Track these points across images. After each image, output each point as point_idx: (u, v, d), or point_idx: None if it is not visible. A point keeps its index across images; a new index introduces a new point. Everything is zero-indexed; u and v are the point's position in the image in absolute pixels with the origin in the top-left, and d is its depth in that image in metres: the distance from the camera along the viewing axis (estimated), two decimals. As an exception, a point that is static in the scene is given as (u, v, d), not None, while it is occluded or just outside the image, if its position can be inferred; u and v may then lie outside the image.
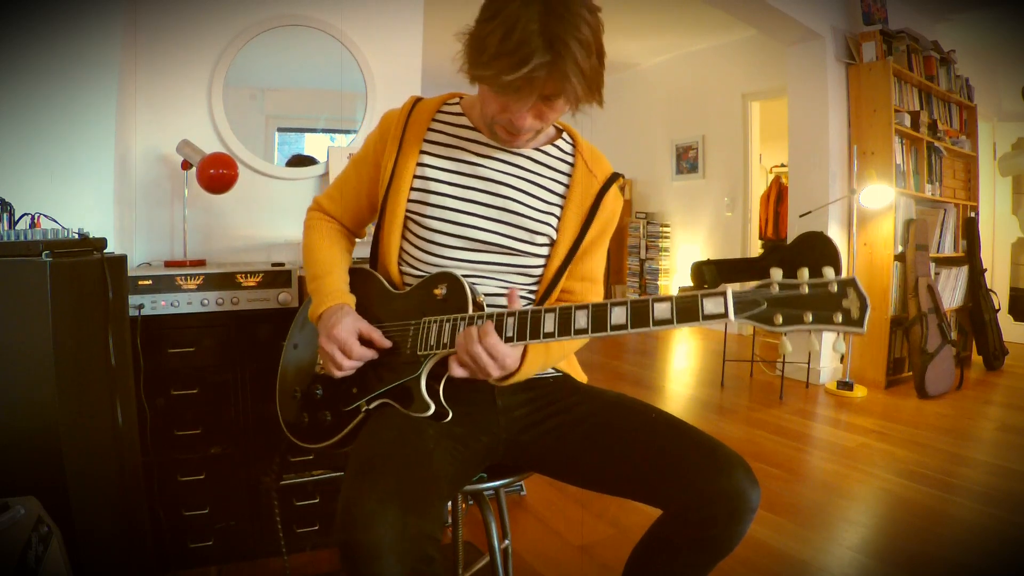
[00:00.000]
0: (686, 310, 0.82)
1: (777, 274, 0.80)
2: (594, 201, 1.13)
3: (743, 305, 0.80)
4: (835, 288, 0.77)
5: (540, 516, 2.07)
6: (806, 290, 0.78)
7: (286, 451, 1.23)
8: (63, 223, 1.33)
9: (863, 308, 0.75)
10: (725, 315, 0.79)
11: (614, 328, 0.86)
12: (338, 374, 1.05)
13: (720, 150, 5.57)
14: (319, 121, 2.30)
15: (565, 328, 0.89)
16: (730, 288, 0.80)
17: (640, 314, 0.84)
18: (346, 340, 1.03)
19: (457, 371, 0.95)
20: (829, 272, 0.77)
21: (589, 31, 0.90)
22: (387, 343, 1.05)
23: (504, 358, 0.93)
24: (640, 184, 6.39)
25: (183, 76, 2.00)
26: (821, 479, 2.39)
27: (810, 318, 0.77)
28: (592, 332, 0.87)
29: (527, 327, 0.91)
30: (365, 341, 1.05)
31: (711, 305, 0.81)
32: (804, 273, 0.79)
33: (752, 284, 0.80)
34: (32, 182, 1.56)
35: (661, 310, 0.83)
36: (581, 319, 0.88)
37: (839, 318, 0.76)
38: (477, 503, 1.18)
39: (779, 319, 0.78)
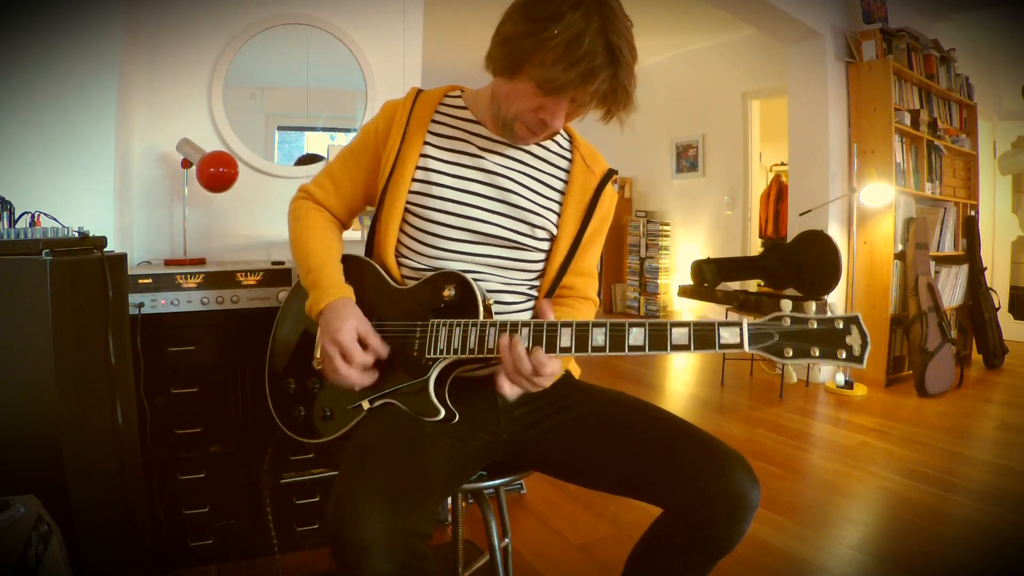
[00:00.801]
0: (703, 337, 0.86)
1: (787, 307, 0.86)
2: (592, 196, 1.14)
3: (757, 337, 0.84)
4: (840, 325, 0.83)
5: (540, 515, 2.07)
6: (815, 325, 0.83)
7: (278, 444, 1.22)
8: (63, 222, 1.32)
9: (864, 345, 0.82)
10: (740, 345, 0.84)
11: (632, 348, 0.88)
12: (334, 379, 1.02)
13: (720, 149, 5.56)
14: (319, 120, 2.30)
15: (582, 345, 0.90)
16: (746, 320, 0.85)
17: (659, 338, 0.87)
18: (349, 346, 0.99)
19: (508, 390, 0.93)
20: (835, 309, 0.81)
21: (633, 41, 0.93)
22: (383, 352, 1.02)
23: (548, 367, 0.92)
24: (640, 183, 6.39)
25: (183, 75, 2.00)
26: (821, 478, 2.39)
27: (817, 352, 0.83)
28: (610, 351, 0.89)
29: (543, 341, 0.91)
30: (363, 344, 1.02)
31: (727, 335, 0.85)
32: (811, 307, 0.85)
33: (765, 317, 0.86)
34: (32, 180, 1.56)
35: (679, 335, 0.86)
36: (599, 337, 0.89)
37: (843, 354, 0.82)
38: (477, 502, 1.18)
39: (789, 352, 0.83)
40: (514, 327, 0.93)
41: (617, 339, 0.88)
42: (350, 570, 0.78)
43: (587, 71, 0.88)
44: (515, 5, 0.94)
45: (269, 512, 1.37)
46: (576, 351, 0.90)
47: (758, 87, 5.21)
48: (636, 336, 0.87)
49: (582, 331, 0.90)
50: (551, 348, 0.91)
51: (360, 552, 0.77)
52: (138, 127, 1.94)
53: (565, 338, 0.91)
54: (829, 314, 0.84)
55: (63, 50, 1.60)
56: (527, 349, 0.91)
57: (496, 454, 1.10)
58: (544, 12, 0.89)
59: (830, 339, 0.82)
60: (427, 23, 2.36)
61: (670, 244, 6.03)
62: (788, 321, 0.84)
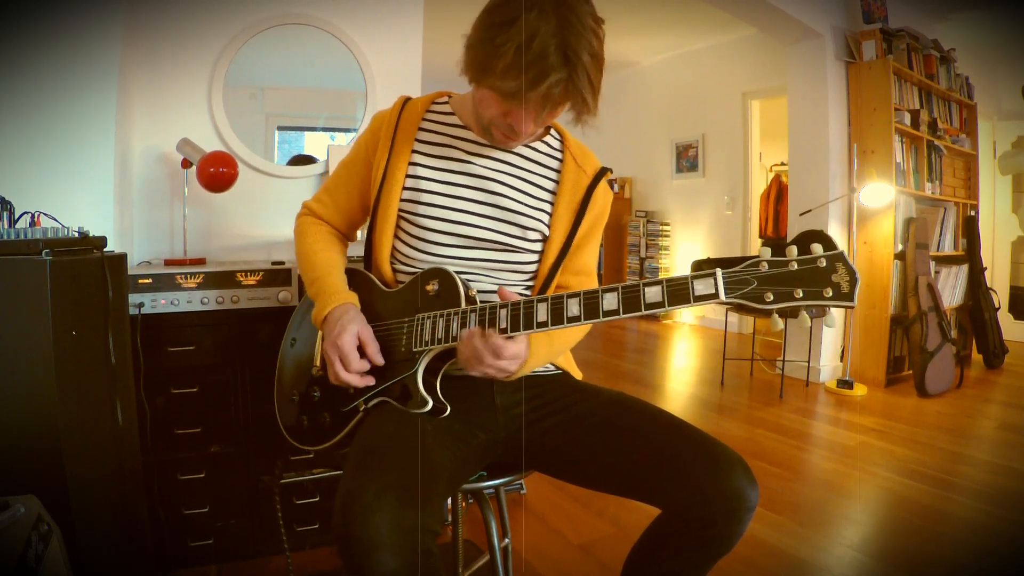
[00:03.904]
0: (677, 292, 0.82)
1: (766, 252, 0.80)
2: (584, 196, 1.14)
3: (733, 284, 0.80)
4: (824, 263, 0.77)
5: (540, 515, 2.07)
6: (795, 267, 0.78)
7: (288, 452, 1.24)
8: (63, 222, 1.33)
9: (852, 282, 0.76)
10: (716, 295, 0.80)
11: (606, 314, 0.86)
12: (335, 381, 1.04)
13: (720, 149, 5.56)
14: (319, 120, 2.30)
15: (558, 316, 0.89)
16: (720, 268, 0.80)
17: (631, 299, 0.85)
18: (347, 352, 1.01)
19: (476, 372, 0.95)
20: (817, 248, 0.77)
21: (598, 44, 0.91)
22: (379, 360, 1.03)
23: (507, 350, 0.93)
24: (640, 183, 6.39)
25: (183, 75, 2.00)
26: (821, 478, 2.39)
27: (800, 294, 0.77)
28: (585, 319, 0.87)
29: (520, 317, 0.92)
30: (362, 349, 1.04)
31: (702, 286, 0.81)
32: (793, 250, 0.79)
33: (742, 264, 0.80)
34: (32, 181, 1.56)
35: (652, 294, 0.83)
36: (573, 307, 0.88)
37: (829, 293, 0.76)
38: (477, 501, 1.18)
39: (769, 296, 0.78)
40: (492, 309, 0.94)
41: (591, 306, 0.87)
42: (358, 568, 0.78)
43: (538, 73, 0.87)
44: (481, 12, 0.94)
45: (280, 518, 1.38)
46: (553, 323, 0.89)
47: (758, 87, 5.21)
48: (609, 301, 0.86)
49: (557, 304, 0.90)
50: (528, 324, 0.91)
51: (368, 550, 0.77)
52: (138, 127, 1.94)
53: (541, 312, 0.90)
54: (811, 254, 0.77)
55: (63, 50, 1.60)
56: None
57: (495, 453, 1.10)
58: (500, 18, 0.89)
59: (814, 278, 0.77)
60: (427, 23, 2.36)
61: (670, 244, 6.03)
62: (765, 265, 0.79)
